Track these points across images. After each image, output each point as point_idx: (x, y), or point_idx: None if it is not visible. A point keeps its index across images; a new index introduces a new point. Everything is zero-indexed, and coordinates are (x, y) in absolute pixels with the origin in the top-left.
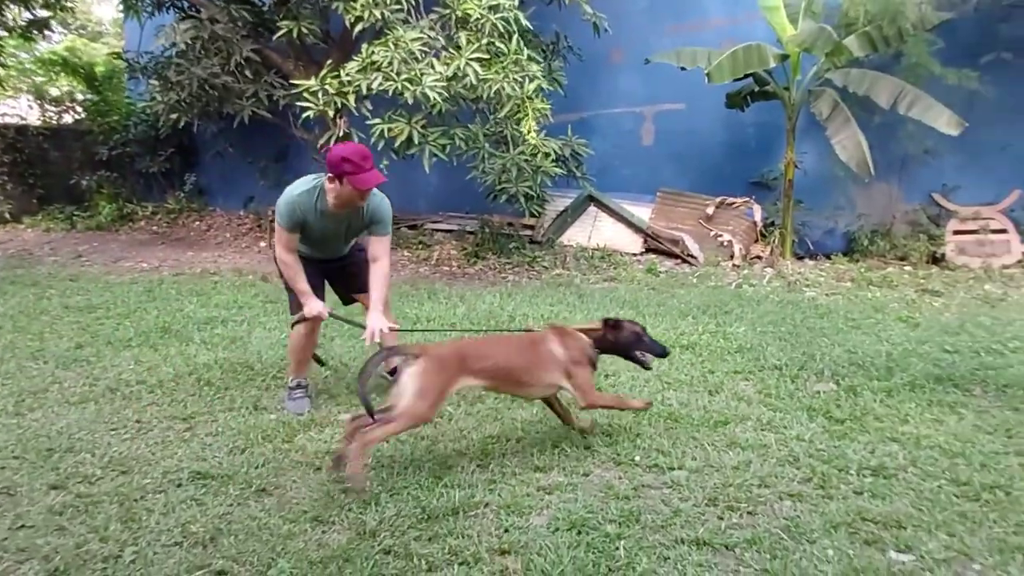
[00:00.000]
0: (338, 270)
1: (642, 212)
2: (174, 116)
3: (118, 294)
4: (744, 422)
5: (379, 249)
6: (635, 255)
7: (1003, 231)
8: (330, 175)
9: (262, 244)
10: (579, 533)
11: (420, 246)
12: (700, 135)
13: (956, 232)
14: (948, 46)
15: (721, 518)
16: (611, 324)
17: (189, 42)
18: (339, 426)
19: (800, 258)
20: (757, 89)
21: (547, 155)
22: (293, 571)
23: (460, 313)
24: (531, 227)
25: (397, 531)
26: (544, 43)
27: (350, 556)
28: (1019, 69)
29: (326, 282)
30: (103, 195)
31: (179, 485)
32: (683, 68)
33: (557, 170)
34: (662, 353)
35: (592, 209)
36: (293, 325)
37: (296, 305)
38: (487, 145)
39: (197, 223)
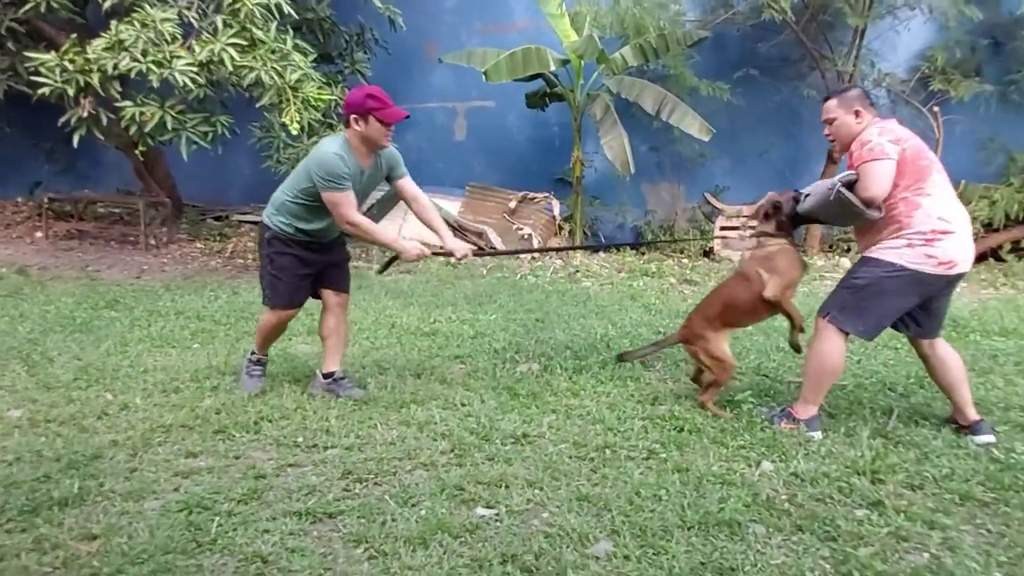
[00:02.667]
0: (326, 263)
1: (453, 206)
2: None
3: None
4: (430, 402)
5: (412, 187)
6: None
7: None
8: (355, 116)
9: (38, 235)
10: (189, 513)
11: (217, 238)
12: (509, 132)
13: (723, 228)
14: (716, 61)
15: (347, 490)
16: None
17: None
18: (6, 425)
19: (595, 251)
20: (549, 90)
21: None
22: None
23: (216, 306)
24: None
25: None
26: (347, 33)
27: None
28: (764, 84)
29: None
30: None
31: None
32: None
33: None
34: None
35: (403, 203)
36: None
37: (283, 293)
38: (284, 135)
39: None
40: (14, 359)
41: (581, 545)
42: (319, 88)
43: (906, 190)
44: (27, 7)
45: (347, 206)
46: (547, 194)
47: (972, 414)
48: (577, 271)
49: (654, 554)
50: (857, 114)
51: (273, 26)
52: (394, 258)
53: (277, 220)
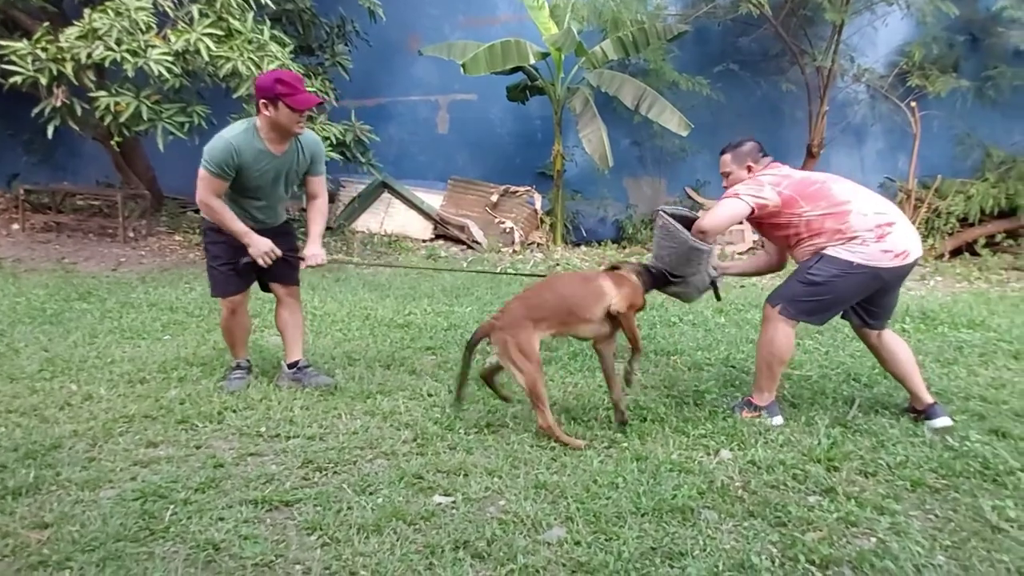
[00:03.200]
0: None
1: (435, 199)
2: None
3: None
4: (397, 392)
5: (318, 187)
6: (424, 241)
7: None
8: (264, 101)
9: (14, 227)
10: (144, 502)
11: (196, 230)
12: (491, 125)
13: None
14: (696, 55)
15: (306, 478)
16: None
17: None
18: None
19: (577, 244)
20: (530, 84)
21: (325, 139)
22: None
23: (190, 298)
24: None
25: None
26: (328, 25)
27: None
28: (745, 79)
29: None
30: None
31: None
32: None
33: (334, 155)
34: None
35: (386, 196)
36: (217, 288)
37: (220, 282)
38: None
39: None
40: None
41: (534, 531)
42: None
43: (820, 210)
44: None
45: (207, 187)
46: (529, 188)
47: (927, 398)
48: (557, 264)
49: (606, 539)
50: (749, 169)
51: (250, 16)
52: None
53: None
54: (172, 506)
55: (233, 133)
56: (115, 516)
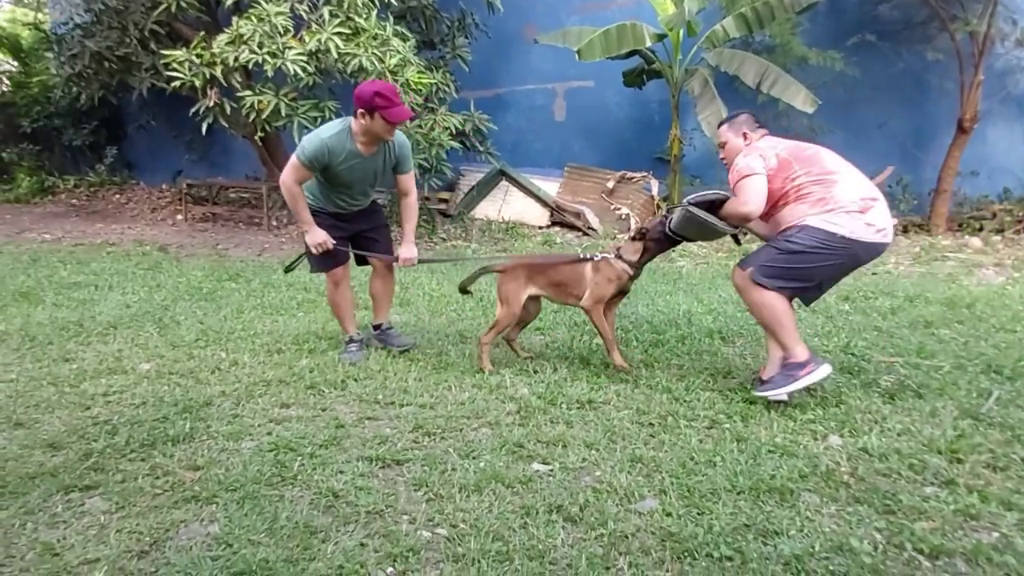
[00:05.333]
0: (359, 234)
1: (551, 186)
2: (75, 90)
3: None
4: (504, 368)
5: (408, 184)
6: (541, 228)
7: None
8: (361, 110)
9: (179, 217)
10: (277, 453)
11: None
12: (608, 111)
13: None
14: (828, 28)
15: (416, 441)
16: (639, 234)
17: (82, 15)
18: (131, 374)
19: None
20: (647, 67)
21: (445, 129)
22: (7, 479)
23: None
24: (446, 201)
25: (118, 454)
26: (449, 19)
27: (56, 471)
28: (883, 50)
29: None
30: (23, 168)
31: None
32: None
33: (454, 143)
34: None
35: (504, 183)
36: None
37: (317, 259)
38: None
39: (117, 196)
40: (149, 322)
41: (627, 501)
42: (419, 73)
43: (811, 176)
44: (160, 9)
45: (293, 173)
46: (646, 173)
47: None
48: (673, 250)
49: (698, 513)
50: (744, 136)
51: (374, 14)
52: (300, 257)
53: (307, 195)
54: (300, 458)
55: (329, 133)
56: (253, 463)
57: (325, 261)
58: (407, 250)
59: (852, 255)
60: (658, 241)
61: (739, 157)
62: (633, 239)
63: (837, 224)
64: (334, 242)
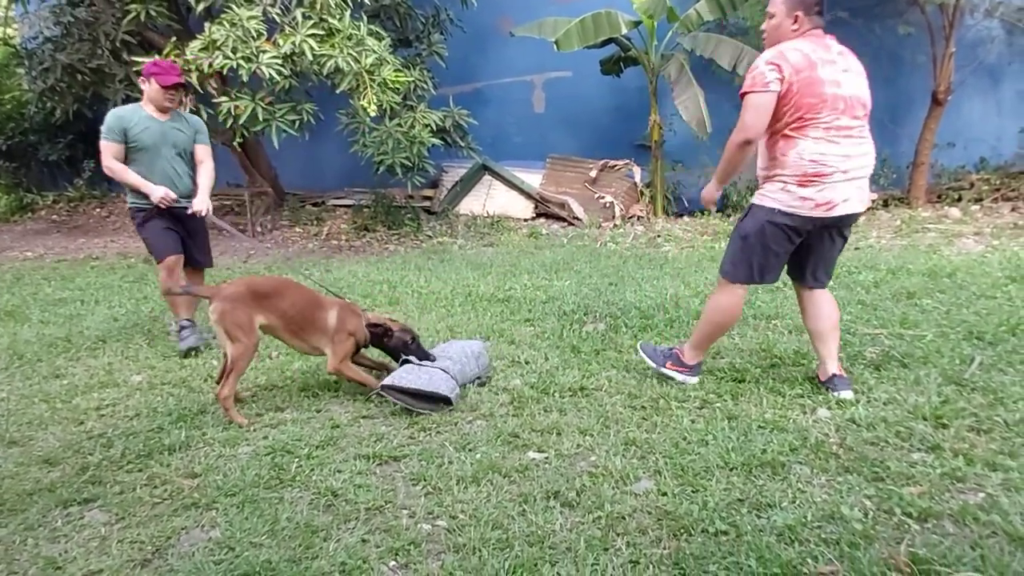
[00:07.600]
0: (186, 232)
1: (534, 178)
2: (49, 104)
3: None
4: (496, 361)
5: (203, 153)
6: (525, 220)
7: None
8: (142, 78)
9: None
10: (274, 456)
11: (314, 222)
12: (587, 101)
13: None
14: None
15: (412, 438)
16: (382, 331)
17: (52, 28)
18: (123, 387)
19: (679, 215)
20: (623, 55)
21: (425, 126)
22: (5, 497)
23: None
24: (430, 198)
25: (114, 466)
26: (423, 16)
27: (54, 486)
28: (856, 27)
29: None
30: (0, 187)
31: None
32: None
33: (435, 140)
34: (426, 357)
35: (486, 178)
36: (144, 227)
37: (157, 248)
38: (368, 119)
39: (98, 210)
40: (138, 334)
41: (622, 483)
42: (396, 71)
43: (787, 127)
44: (130, 17)
45: (103, 152)
46: (628, 161)
47: (831, 368)
48: (658, 236)
49: (692, 491)
50: (796, 19)
51: (347, 14)
52: (152, 208)
53: (134, 195)
54: (297, 460)
55: (123, 107)
56: (251, 468)
57: (165, 246)
58: (199, 201)
59: (794, 228)
60: (392, 349)
61: (762, 61)
62: (373, 334)
63: (774, 198)
64: (175, 195)
